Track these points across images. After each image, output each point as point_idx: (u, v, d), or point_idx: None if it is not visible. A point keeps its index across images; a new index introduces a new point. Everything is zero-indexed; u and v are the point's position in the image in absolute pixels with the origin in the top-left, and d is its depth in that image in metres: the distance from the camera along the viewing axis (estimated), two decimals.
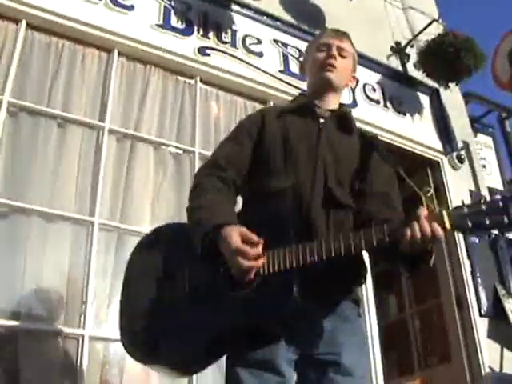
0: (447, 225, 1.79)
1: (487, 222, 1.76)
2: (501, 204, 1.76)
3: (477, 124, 7.47)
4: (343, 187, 2.18)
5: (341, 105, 2.47)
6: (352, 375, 2.00)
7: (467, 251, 5.64)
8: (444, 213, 1.81)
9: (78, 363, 3.47)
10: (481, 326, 5.31)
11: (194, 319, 2.02)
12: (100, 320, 3.69)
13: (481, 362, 5.12)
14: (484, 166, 6.91)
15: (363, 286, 4.63)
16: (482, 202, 1.80)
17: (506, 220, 1.74)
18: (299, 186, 2.13)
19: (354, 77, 2.54)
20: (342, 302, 2.13)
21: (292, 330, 2.00)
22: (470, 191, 6.13)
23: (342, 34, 2.51)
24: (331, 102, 2.40)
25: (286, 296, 1.89)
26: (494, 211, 1.76)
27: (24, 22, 4.27)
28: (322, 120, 2.32)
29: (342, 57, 2.40)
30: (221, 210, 2.07)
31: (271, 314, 1.92)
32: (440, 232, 1.79)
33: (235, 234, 1.91)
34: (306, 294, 1.92)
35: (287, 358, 2.01)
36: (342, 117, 2.38)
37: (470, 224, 1.77)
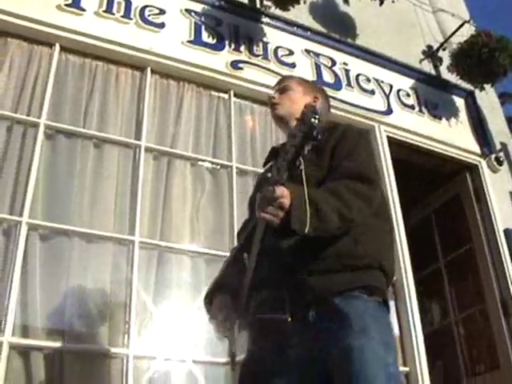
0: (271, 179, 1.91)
1: (291, 151, 1.84)
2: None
3: None
4: None
5: None
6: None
7: (510, 254, 5.53)
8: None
9: (124, 383, 3.47)
10: None
11: None
12: (143, 338, 3.69)
13: None
14: None
15: (405, 288, 4.68)
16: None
17: (299, 138, 1.82)
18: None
19: (315, 97, 2.57)
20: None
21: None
22: (511, 193, 6.02)
23: (281, 78, 2.81)
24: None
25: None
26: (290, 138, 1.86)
27: (58, 45, 4.33)
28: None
29: (283, 92, 2.58)
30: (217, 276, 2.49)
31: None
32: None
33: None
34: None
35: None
36: None
37: (284, 165, 1.86)
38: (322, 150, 2.27)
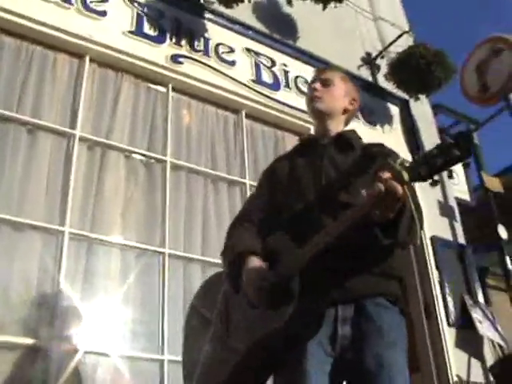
0: (405, 177, 1.83)
1: (440, 161, 1.80)
2: (450, 140, 1.82)
3: (444, 135, 7.52)
4: (349, 192, 2.23)
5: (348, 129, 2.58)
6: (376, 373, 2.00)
7: (435, 261, 5.69)
8: (400, 167, 1.84)
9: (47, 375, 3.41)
10: (449, 335, 5.35)
11: None
12: (68, 330, 3.62)
13: (449, 372, 5.16)
14: (451, 177, 6.96)
15: None
16: (434, 148, 1.84)
17: (457, 152, 1.79)
18: (308, 202, 2.28)
19: (353, 99, 2.59)
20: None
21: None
22: (439, 202, 6.20)
23: (325, 68, 2.75)
24: (333, 129, 2.50)
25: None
26: (444, 150, 1.80)
27: None
28: (322, 146, 2.45)
29: (326, 85, 2.52)
30: (244, 240, 2.33)
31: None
32: (395, 185, 1.82)
33: (251, 264, 2.20)
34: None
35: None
36: (340, 138, 2.46)
37: (426, 169, 1.82)
38: (366, 165, 2.26)
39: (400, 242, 2.06)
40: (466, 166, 7.51)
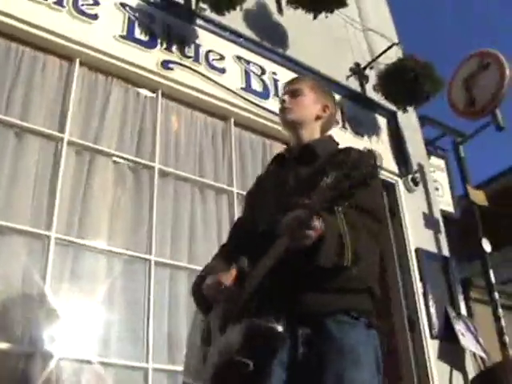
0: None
1: (346, 184, 1.86)
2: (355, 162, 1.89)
3: (430, 146, 7.57)
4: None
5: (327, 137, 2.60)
6: None
7: (419, 273, 5.71)
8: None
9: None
10: (431, 347, 5.37)
11: None
12: (51, 338, 3.58)
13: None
14: (436, 189, 7.00)
15: None
16: (340, 172, 1.90)
17: (361, 175, 1.86)
18: (269, 217, 2.29)
19: (326, 106, 2.60)
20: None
21: None
22: (424, 214, 6.22)
23: (293, 79, 2.76)
24: (307, 138, 2.53)
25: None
26: (348, 174, 1.87)
27: None
28: (288, 161, 2.54)
29: (294, 96, 2.57)
30: (207, 267, 2.49)
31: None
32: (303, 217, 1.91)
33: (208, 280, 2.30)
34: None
35: None
36: (306, 149, 2.49)
37: (335, 193, 1.88)
38: (327, 171, 2.25)
39: (324, 265, 2.02)
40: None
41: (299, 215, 1.92)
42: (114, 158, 4.37)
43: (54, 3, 4.44)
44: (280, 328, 2.00)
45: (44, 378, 3.39)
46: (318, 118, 2.56)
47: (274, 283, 2.05)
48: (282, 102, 2.58)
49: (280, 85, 5.57)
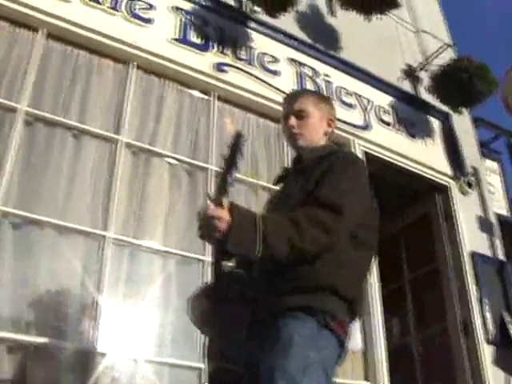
0: (223, 201, 2.01)
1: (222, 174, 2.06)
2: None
3: (484, 149, 7.44)
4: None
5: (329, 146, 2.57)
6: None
7: (475, 277, 5.61)
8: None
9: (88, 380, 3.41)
10: (487, 352, 5.27)
11: None
12: (109, 336, 3.63)
13: None
14: (491, 192, 6.88)
15: (372, 303, 4.69)
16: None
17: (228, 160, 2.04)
18: None
19: (330, 119, 2.59)
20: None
21: None
22: (479, 217, 6.11)
23: (293, 96, 2.69)
24: (313, 153, 2.48)
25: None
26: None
27: (42, 31, 4.25)
28: (289, 172, 2.60)
29: (301, 118, 2.52)
30: None
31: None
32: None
33: None
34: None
35: None
36: (297, 161, 2.58)
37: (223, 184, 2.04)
38: (311, 174, 2.29)
39: (232, 251, 2.08)
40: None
41: (202, 210, 2.03)
42: (169, 160, 4.41)
43: (110, 8, 4.53)
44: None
45: (97, 375, 3.45)
46: (326, 133, 2.56)
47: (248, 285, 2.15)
48: (290, 127, 2.51)
49: (333, 87, 5.56)
